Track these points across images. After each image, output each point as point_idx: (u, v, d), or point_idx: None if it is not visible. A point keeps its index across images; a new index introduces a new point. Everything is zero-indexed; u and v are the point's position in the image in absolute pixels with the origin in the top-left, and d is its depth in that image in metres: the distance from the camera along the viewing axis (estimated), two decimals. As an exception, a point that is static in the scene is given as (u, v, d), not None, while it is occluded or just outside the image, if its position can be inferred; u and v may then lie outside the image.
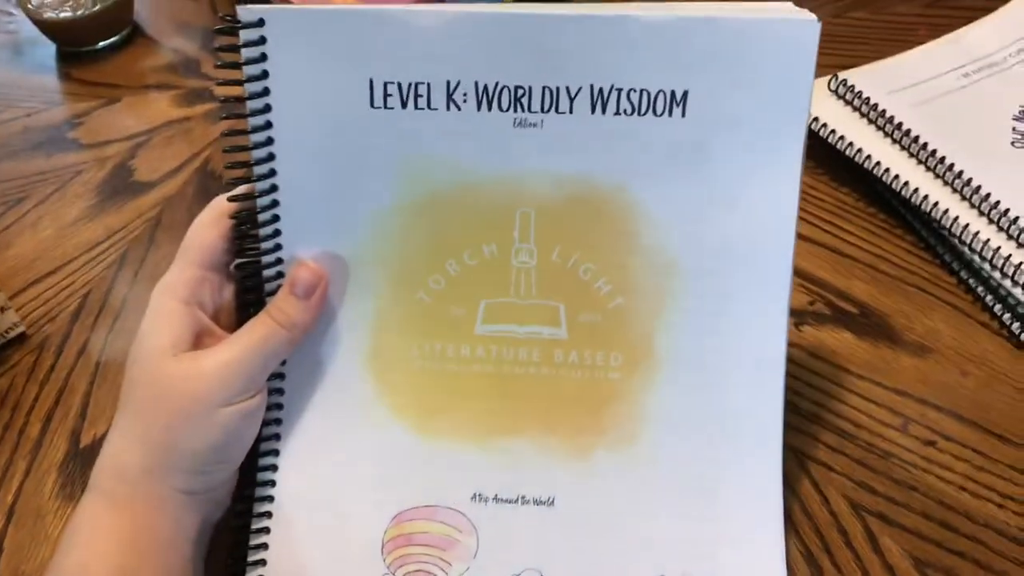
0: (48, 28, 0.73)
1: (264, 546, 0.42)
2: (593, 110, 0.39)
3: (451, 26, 0.38)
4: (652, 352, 0.41)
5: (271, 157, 0.40)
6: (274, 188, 0.40)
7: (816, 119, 0.61)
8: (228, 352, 0.39)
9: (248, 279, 0.42)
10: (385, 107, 0.39)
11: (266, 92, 0.39)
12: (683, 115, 0.39)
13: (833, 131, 0.60)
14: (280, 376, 0.42)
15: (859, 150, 0.59)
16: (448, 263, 0.41)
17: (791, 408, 0.49)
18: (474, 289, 0.42)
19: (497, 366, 0.42)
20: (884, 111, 0.59)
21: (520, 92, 0.39)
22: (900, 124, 0.58)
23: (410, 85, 0.39)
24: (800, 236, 0.57)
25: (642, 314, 0.41)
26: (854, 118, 0.61)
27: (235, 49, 0.39)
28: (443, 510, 0.42)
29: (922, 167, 0.57)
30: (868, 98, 0.60)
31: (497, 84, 0.39)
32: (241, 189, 0.41)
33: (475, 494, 0.42)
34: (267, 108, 0.39)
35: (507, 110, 0.39)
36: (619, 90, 0.39)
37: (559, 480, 0.42)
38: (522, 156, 0.40)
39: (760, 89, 0.38)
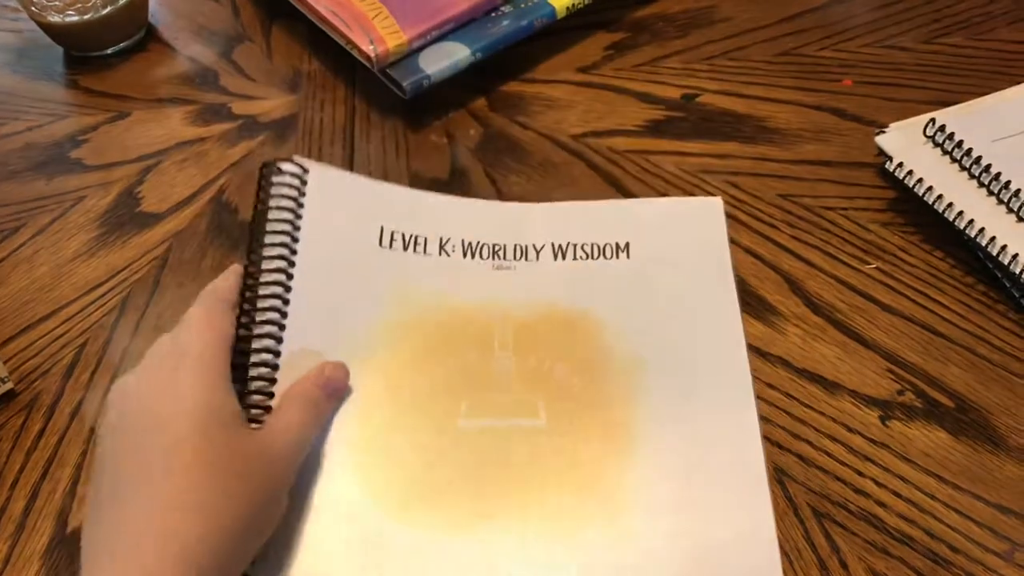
0: (53, 32, 0.67)
1: None
2: (556, 258, 0.51)
3: (446, 206, 0.53)
4: (629, 436, 0.45)
5: (290, 272, 0.47)
6: (288, 290, 0.46)
7: (910, 172, 0.53)
8: (290, 433, 0.40)
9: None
10: (390, 248, 0.50)
11: (298, 219, 0.48)
12: (628, 257, 0.51)
13: (930, 187, 0.52)
14: None
15: (960, 212, 0.51)
16: (433, 367, 0.47)
17: (875, 525, 0.43)
18: (458, 388, 0.46)
19: (479, 456, 0.44)
20: (988, 165, 0.52)
21: (497, 247, 0.51)
22: (1008, 183, 0.51)
23: (412, 236, 0.50)
24: (886, 307, 0.51)
25: (615, 402, 0.46)
26: (952, 171, 0.53)
27: (278, 186, 0.48)
28: None
29: (1033, 235, 0.50)
30: (970, 149, 0.53)
31: (479, 242, 0.51)
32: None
33: None
34: (295, 232, 0.48)
35: (487, 259, 0.51)
36: (574, 245, 0.51)
37: (546, 567, 0.42)
38: (500, 290, 0.50)
39: (685, 242, 0.52)
